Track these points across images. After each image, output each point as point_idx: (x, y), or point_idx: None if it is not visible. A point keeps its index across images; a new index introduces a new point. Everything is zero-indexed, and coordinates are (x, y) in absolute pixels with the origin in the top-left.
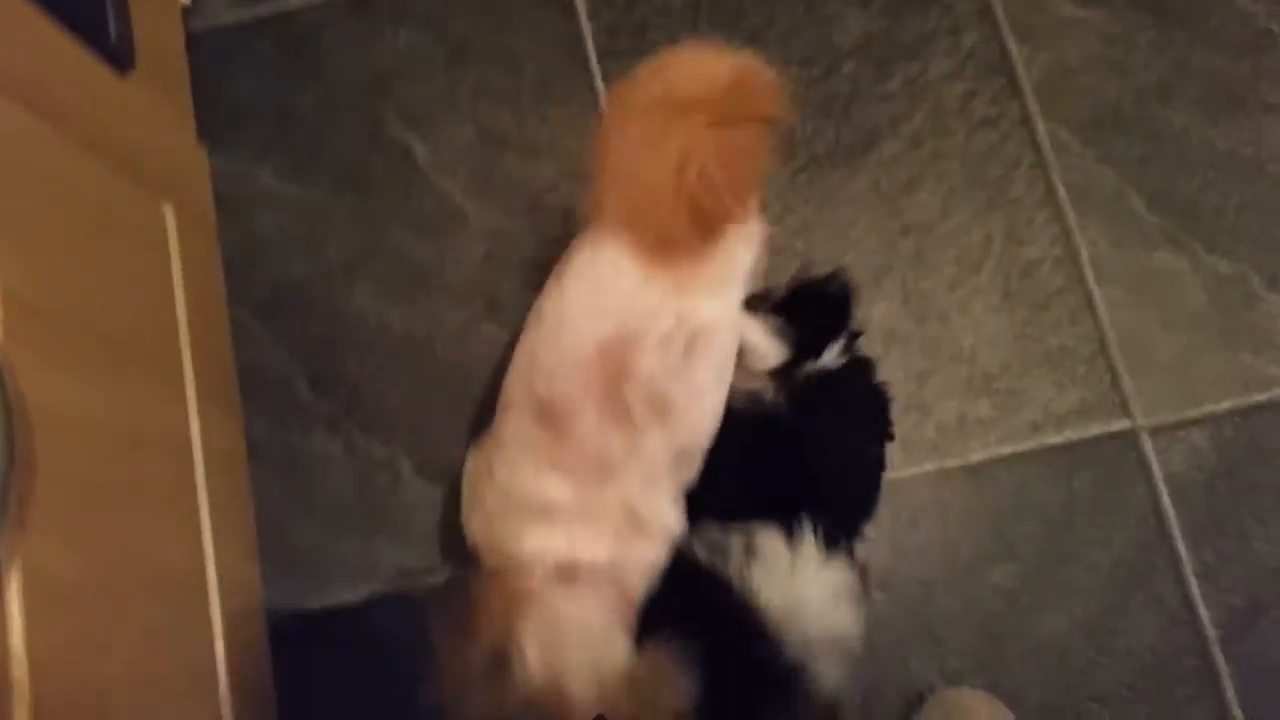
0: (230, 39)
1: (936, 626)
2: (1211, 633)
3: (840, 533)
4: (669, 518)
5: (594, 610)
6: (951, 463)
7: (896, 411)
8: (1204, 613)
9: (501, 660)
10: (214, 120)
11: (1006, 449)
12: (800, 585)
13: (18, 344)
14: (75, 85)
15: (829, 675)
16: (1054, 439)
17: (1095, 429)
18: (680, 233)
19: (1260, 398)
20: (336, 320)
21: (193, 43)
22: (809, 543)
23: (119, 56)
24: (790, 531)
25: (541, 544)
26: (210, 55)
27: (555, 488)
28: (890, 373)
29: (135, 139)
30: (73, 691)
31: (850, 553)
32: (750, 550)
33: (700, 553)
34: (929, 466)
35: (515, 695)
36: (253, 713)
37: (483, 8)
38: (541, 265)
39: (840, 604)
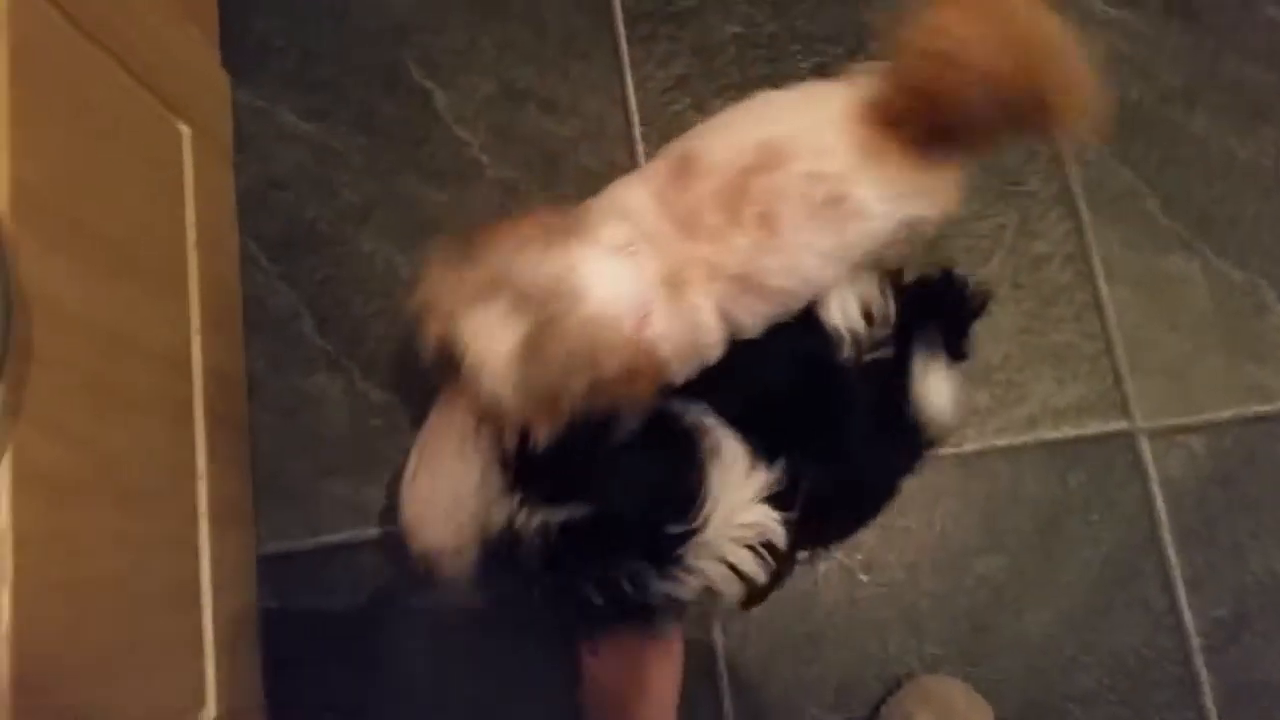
0: None
1: (919, 613)
2: (1195, 641)
3: (806, 509)
4: (704, 318)
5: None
6: (945, 450)
7: None
8: (1189, 620)
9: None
10: (239, 54)
11: (1002, 441)
12: (723, 503)
13: (22, 229)
14: None
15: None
16: (1051, 434)
17: (1093, 427)
18: (923, 118)
19: (1262, 409)
20: (345, 262)
21: None
22: (760, 480)
23: None
24: (758, 461)
25: (609, 234)
26: None
27: (646, 208)
28: None
29: (158, 53)
30: (52, 585)
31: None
32: (715, 445)
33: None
34: None
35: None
36: (235, 639)
37: None
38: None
39: (742, 553)
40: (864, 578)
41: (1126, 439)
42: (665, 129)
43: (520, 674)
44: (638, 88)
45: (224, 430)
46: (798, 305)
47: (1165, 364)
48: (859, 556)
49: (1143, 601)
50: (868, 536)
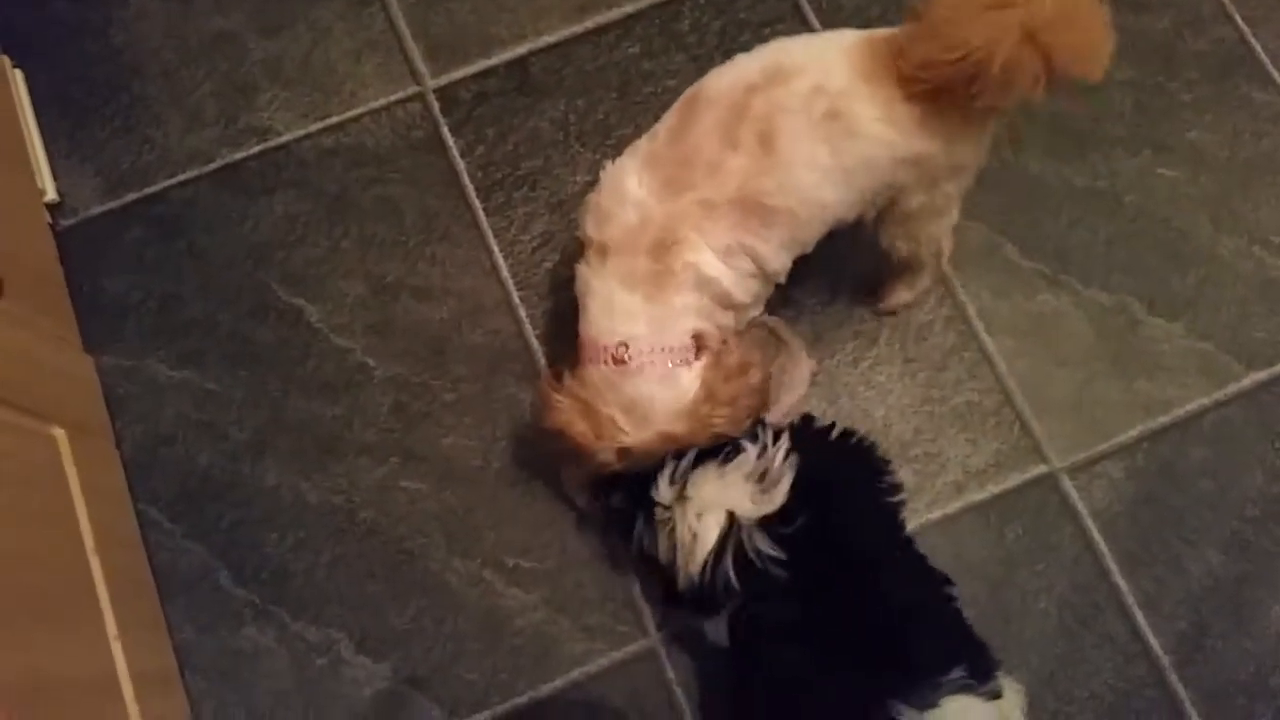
0: (102, 230)
1: None
2: (1165, 660)
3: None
4: (708, 271)
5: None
6: None
7: None
8: (1154, 641)
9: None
10: (95, 317)
11: (936, 513)
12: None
13: None
14: None
15: None
16: (978, 495)
17: (1015, 478)
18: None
19: (1163, 420)
20: (250, 503)
21: (63, 239)
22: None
23: None
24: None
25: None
26: (84, 249)
27: (637, 185)
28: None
29: (14, 367)
30: None
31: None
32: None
33: None
34: None
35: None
36: None
37: (354, 163)
38: (453, 407)
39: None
40: None
41: (1049, 481)
42: (542, 288)
43: None
44: (506, 255)
45: None
46: (807, 235)
47: (1064, 400)
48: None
49: (1107, 636)
50: None
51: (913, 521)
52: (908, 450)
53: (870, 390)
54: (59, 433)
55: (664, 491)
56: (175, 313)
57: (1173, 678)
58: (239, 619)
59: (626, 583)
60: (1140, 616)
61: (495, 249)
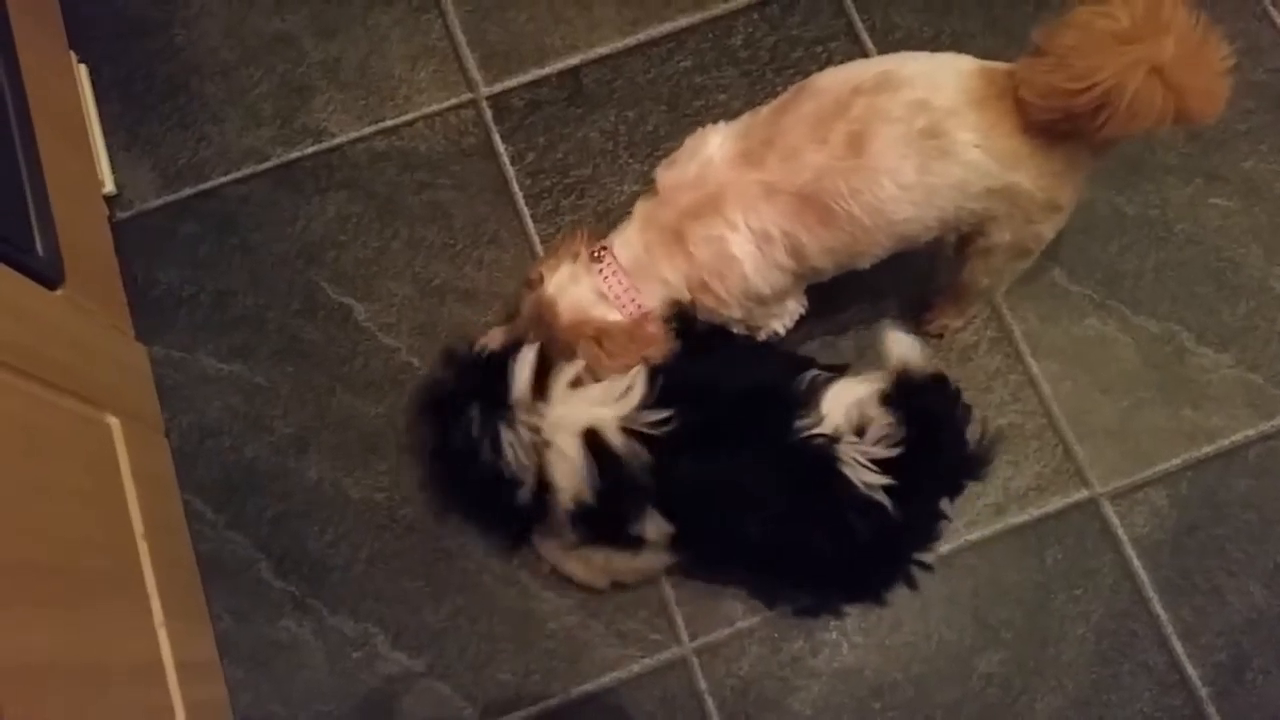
0: (157, 223)
1: None
2: (1203, 692)
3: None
4: (733, 236)
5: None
6: (924, 557)
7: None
8: (1192, 673)
9: None
10: (148, 308)
11: (974, 535)
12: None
13: None
14: (6, 311)
15: None
16: (1018, 518)
17: (1056, 502)
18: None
19: (1208, 449)
20: (293, 496)
21: (119, 231)
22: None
23: (49, 273)
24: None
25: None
26: (139, 242)
27: (718, 146)
28: None
29: (72, 354)
30: None
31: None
32: None
33: None
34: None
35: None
36: None
37: (406, 166)
38: None
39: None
40: (877, 705)
41: (1091, 506)
42: None
43: None
44: None
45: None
46: (866, 248)
47: (1108, 426)
48: (868, 684)
49: (1144, 665)
50: (872, 658)
51: (951, 542)
52: None
53: None
54: (113, 420)
55: (520, 390)
56: (226, 307)
57: (1210, 710)
58: (278, 610)
59: (660, 590)
60: (1179, 646)
61: (542, 255)
